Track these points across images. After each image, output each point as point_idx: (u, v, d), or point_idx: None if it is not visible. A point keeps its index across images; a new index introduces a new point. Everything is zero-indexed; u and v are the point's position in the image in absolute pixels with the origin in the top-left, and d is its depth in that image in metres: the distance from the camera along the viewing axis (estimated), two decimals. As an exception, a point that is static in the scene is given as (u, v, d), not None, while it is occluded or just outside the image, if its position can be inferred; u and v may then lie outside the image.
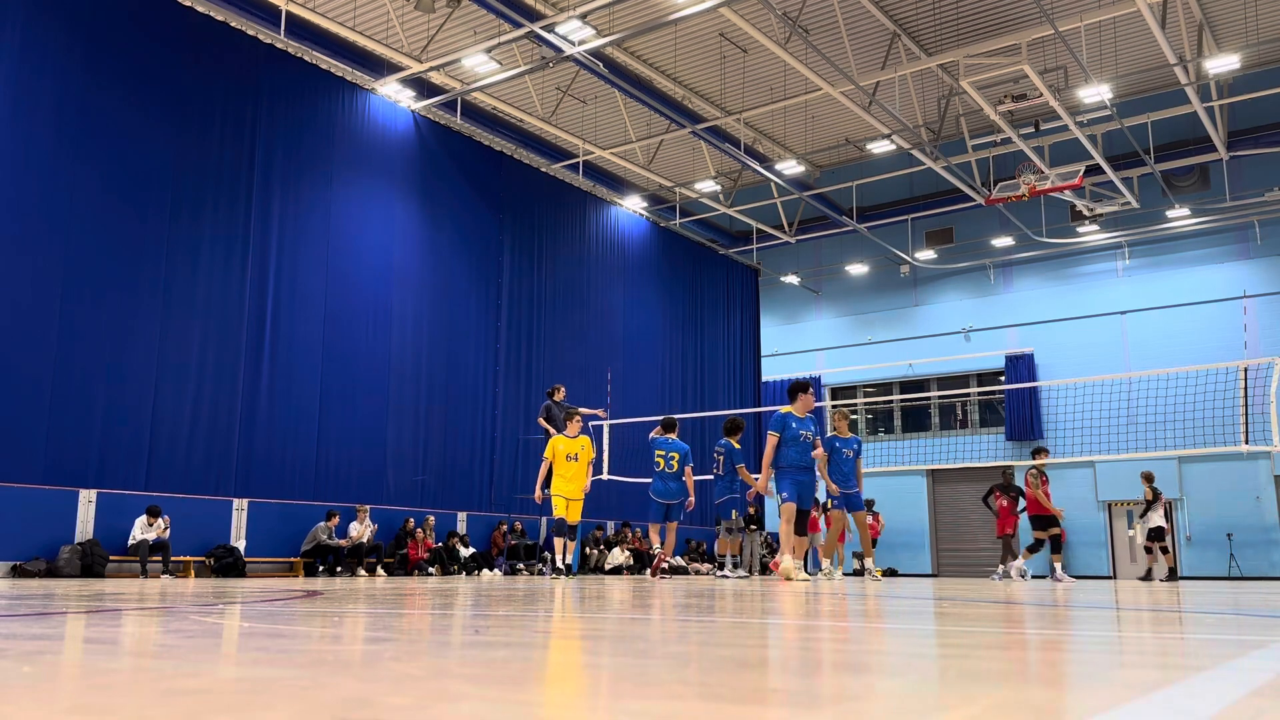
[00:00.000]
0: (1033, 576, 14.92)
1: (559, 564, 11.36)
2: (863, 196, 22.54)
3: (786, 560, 10.08)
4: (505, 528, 16.49)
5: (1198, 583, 14.94)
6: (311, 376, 14.15)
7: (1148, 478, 16.02)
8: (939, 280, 24.14)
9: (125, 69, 12.48)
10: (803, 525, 11.34)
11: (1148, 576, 15.73)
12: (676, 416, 13.26)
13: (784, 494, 10.15)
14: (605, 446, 16.98)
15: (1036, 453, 13.93)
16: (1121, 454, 17.58)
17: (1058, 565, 13.52)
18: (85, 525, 11.43)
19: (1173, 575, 15.59)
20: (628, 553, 17.74)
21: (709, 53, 17.84)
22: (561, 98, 18.95)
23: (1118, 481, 20.60)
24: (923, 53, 17.05)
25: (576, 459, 11.26)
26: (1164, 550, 15.62)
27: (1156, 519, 15.74)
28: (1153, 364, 19.19)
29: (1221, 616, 4.39)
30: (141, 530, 11.60)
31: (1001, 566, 15.39)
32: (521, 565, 15.76)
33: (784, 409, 10.33)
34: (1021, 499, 15.10)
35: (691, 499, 11.93)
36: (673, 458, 11.79)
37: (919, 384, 24.27)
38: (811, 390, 10.38)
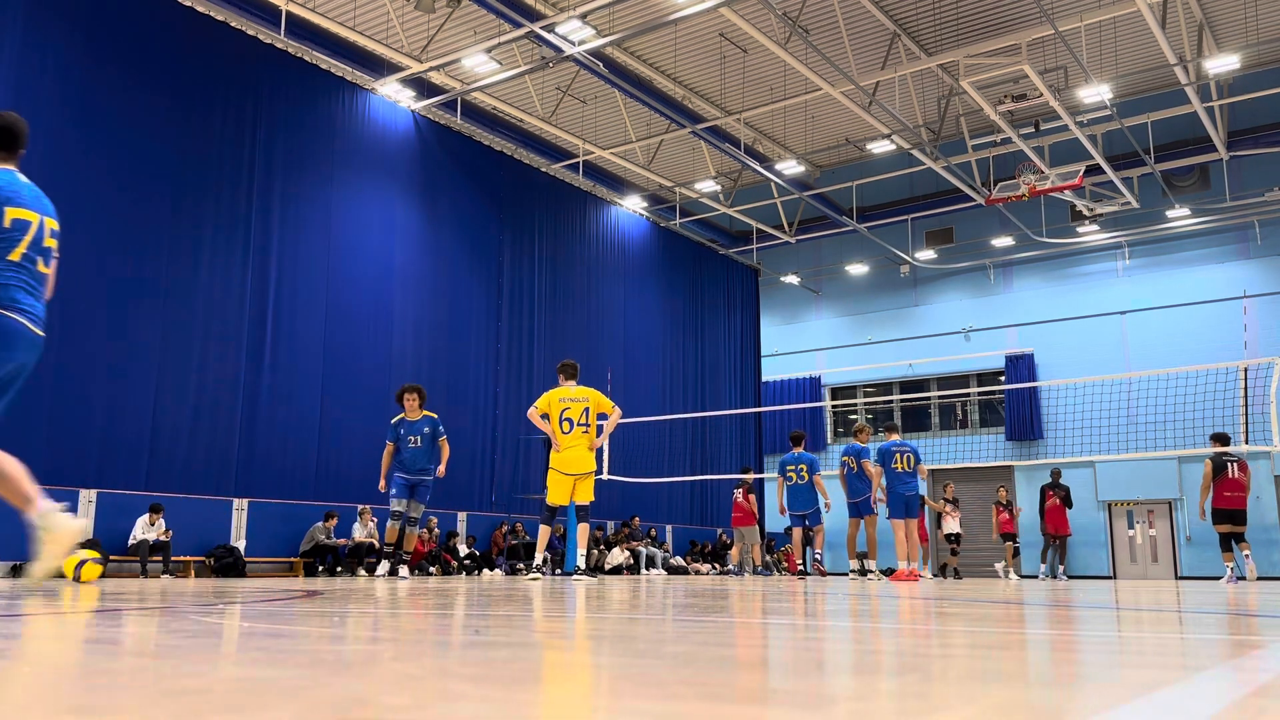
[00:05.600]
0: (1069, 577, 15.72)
1: (538, 560, 9.98)
2: (863, 196, 22.53)
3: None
4: (505, 528, 16.49)
5: (1197, 583, 14.94)
6: (312, 376, 14.14)
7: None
8: (939, 280, 24.14)
9: (125, 69, 12.47)
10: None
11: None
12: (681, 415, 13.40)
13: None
14: (606, 447, 16.97)
15: (1219, 439, 12.57)
16: (1121, 454, 17.59)
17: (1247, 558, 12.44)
18: (85, 525, 11.43)
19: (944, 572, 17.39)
20: (627, 553, 17.75)
21: (709, 53, 17.84)
22: (561, 98, 18.95)
23: (1118, 481, 20.61)
24: (923, 53, 17.05)
25: (586, 425, 9.19)
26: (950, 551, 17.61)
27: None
28: (1153, 364, 19.19)
29: (1221, 616, 4.38)
30: (143, 530, 11.60)
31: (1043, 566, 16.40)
32: (521, 565, 15.76)
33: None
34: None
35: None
36: (802, 469, 12.93)
37: (919, 384, 24.27)
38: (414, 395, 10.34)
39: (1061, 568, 17.03)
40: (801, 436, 13.32)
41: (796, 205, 23.11)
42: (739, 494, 16.12)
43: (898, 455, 12.09)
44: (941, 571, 17.22)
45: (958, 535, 17.33)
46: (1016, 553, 17.28)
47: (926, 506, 17.01)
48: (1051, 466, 17.50)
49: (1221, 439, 12.57)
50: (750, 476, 16.86)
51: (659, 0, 15.59)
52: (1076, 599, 6.44)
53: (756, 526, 15.96)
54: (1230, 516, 12.46)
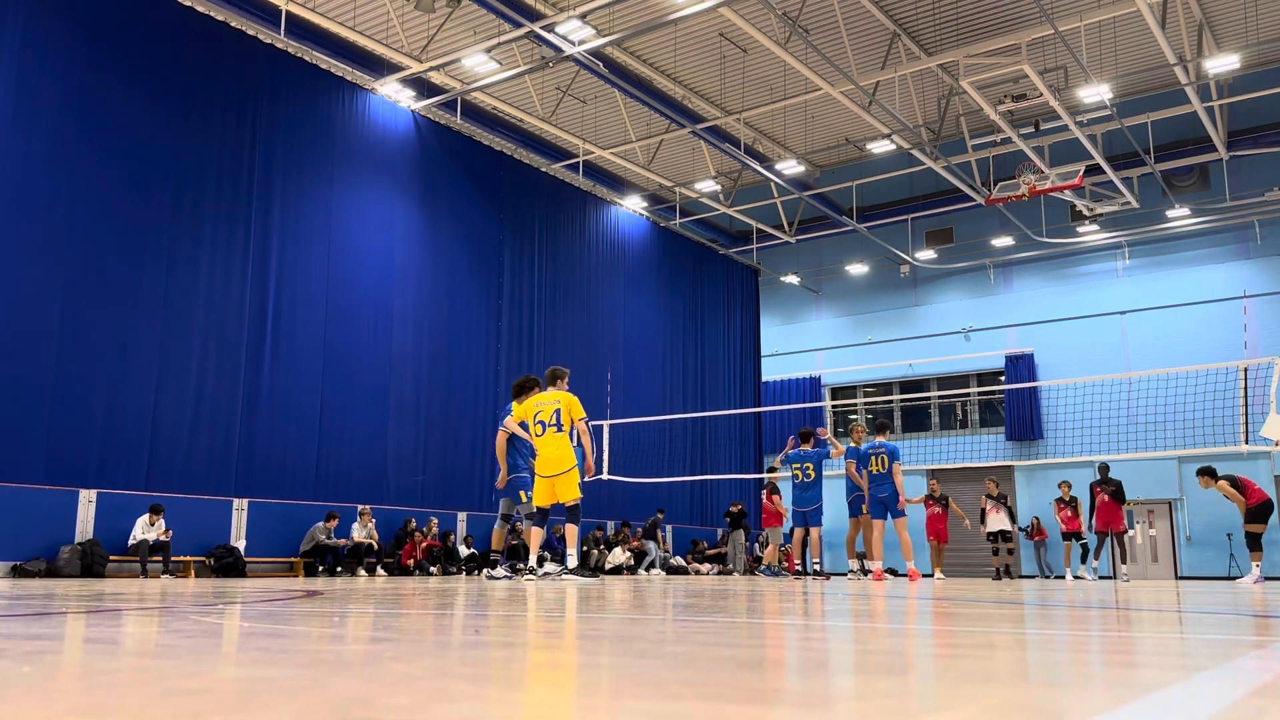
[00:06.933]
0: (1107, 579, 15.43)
1: (532, 561, 9.74)
2: (863, 196, 22.53)
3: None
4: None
5: (1197, 583, 14.94)
6: (312, 376, 14.14)
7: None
8: (939, 280, 24.13)
9: (126, 69, 12.48)
10: None
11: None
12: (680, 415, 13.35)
13: None
14: (605, 446, 16.98)
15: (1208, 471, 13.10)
16: (1121, 454, 17.56)
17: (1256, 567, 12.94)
18: (85, 525, 11.43)
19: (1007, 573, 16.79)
20: (628, 553, 17.75)
21: (709, 53, 17.84)
22: (561, 98, 18.95)
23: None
24: (923, 53, 17.05)
25: (558, 426, 9.02)
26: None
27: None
28: (1153, 364, 19.18)
29: (1221, 616, 4.38)
30: (143, 530, 11.59)
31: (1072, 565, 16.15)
32: (522, 565, 15.74)
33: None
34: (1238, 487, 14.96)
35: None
36: (808, 467, 12.73)
37: (919, 384, 24.27)
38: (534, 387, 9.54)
39: (1124, 567, 16.03)
40: (810, 434, 13.26)
41: (796, 205, 23.11)
42: (764, 495, 16.23)
43: (873, 458, 12.10)
44: (1003, 573, 16.66)
45: (1000, 533, 16.73)
46: (1086, 551, 16.73)
47: (949, 507, 16.88)
48: (1099, 463, 16.86)
49: (1209, 471, 13.00)
50: (777, 477, 16.87)
51: (659, 0, 15.59)
52: (1075, 599, 6.44)
53: (780, 528, 15.95)
54: (1271, 511, 12.86)
